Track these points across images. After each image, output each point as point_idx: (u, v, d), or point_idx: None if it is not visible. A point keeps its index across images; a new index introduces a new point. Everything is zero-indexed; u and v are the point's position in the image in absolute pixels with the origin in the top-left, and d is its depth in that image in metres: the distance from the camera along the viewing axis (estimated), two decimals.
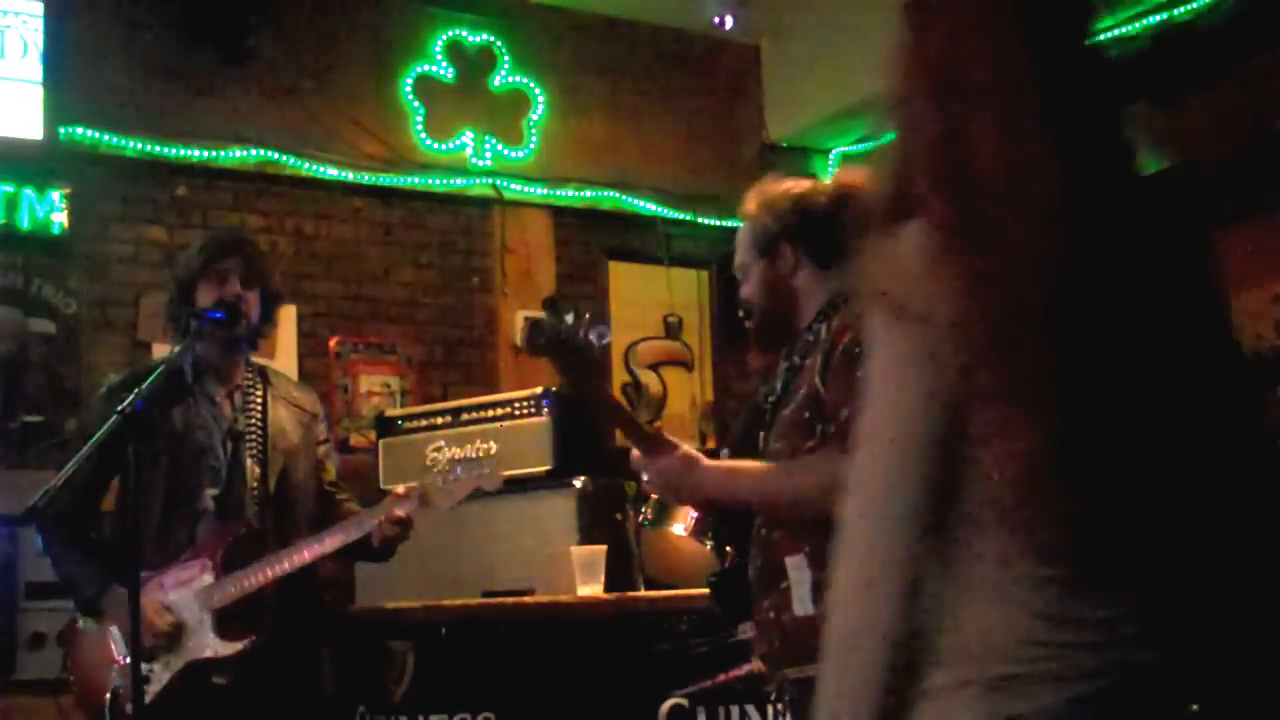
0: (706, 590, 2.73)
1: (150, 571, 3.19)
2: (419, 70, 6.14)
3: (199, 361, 3.42)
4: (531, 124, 6.35)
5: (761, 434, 2.62)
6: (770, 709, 3.47)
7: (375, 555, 3.51)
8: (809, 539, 2.39)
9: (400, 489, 3.43)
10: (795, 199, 2.63)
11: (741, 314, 2.71)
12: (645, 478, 2.48)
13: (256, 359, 3.63)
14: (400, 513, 3.34)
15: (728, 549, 4.02)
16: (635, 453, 2.49)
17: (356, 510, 3.53)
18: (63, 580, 3.41)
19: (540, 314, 2.35)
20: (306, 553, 3.29)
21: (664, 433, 2.48)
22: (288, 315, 5.63)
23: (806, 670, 2.44)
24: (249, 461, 3.40)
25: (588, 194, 6.45)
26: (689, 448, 2.47)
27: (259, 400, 3.48)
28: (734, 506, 2.53)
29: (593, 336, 2.34)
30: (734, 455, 2.57)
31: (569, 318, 2.34)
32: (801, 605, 2.40)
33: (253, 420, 3.45)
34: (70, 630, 3.39)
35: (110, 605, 3.25)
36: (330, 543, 3.32)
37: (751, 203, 2.70)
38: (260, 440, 3.43)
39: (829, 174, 6.92)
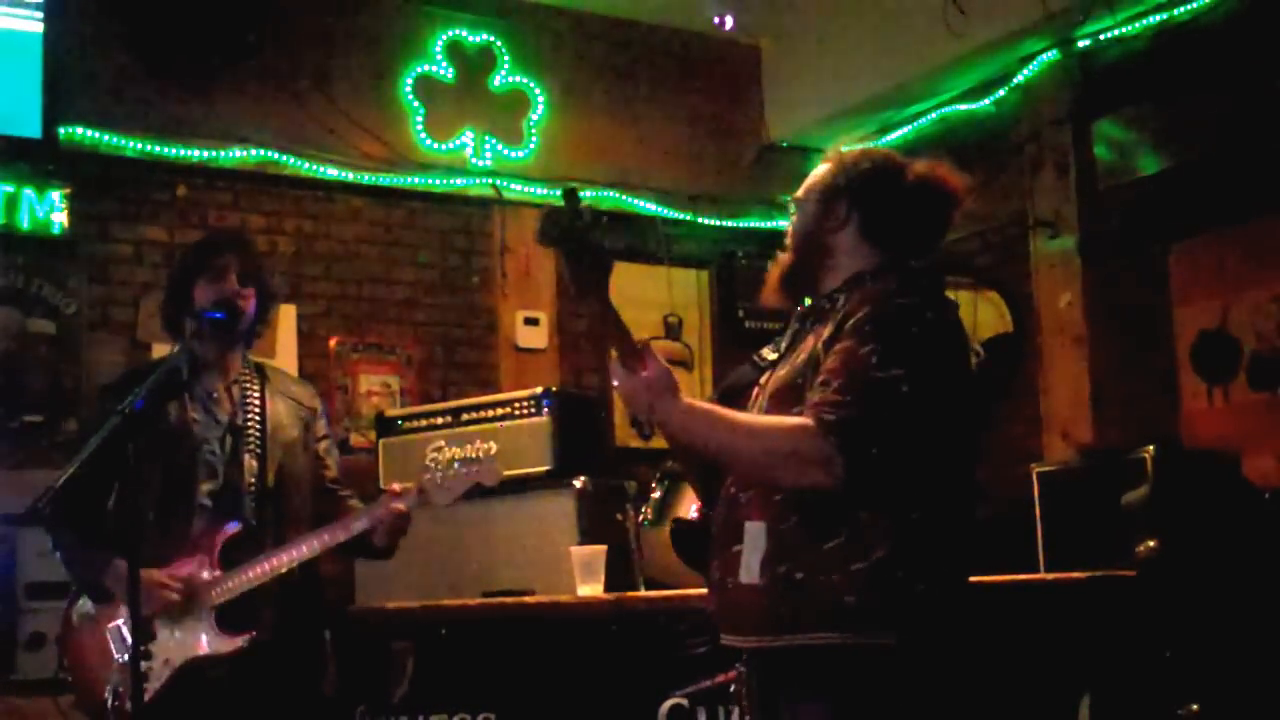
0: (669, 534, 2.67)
1: (148, 567, 3.18)
2: (419, 70, 6.14)
3: (196, 359, 3.41)
4: (531, 124, 6.35)
5: (755, 390, 2.58)
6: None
7: (377, 552, 3.50)
8: (773, 511, 2.36)
9: (397, 486, 3.43)
10: (877, 164, 2.54)
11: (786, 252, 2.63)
12: (617, 383, 2.37)
13: (254, 356, 3.62)
14: (401, 507, 3.34)
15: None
16: (614, 361, 2.37)
17: (359, 507, 3.53)
18: (69, 572, 3.40)
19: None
20: (305, 548, 3.29)
21: (653, 351, 2.36)
22: (288, 315, 5.64)
23: (734, 640, 2.46)
24: (247, 457, 3.39)
25: (588, 194, 6.41)
26: (672, 373, 2.35)
27: (256, 396, 3.48)
28: (691, 447, 2.45)
29: (597, 232, 2.29)
30: (720, 403, 2.49)
31: (587, 214, 2.27)
32: (748, 573, 2.36)
33: (251, 415, 3.44)
34: (66, 630, 3.38)
35: (114, 582, 3.24)
36: (330, 539, 3.31)
37: (839, 149, 2.61)
38: (259, 435, 3.42)
39: None
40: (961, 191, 2.52)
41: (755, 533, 2.37)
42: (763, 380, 2.57)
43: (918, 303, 2.37)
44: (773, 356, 2.60)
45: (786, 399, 2.40)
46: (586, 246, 2.27)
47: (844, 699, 2.31)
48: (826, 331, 2.39)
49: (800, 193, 2.62)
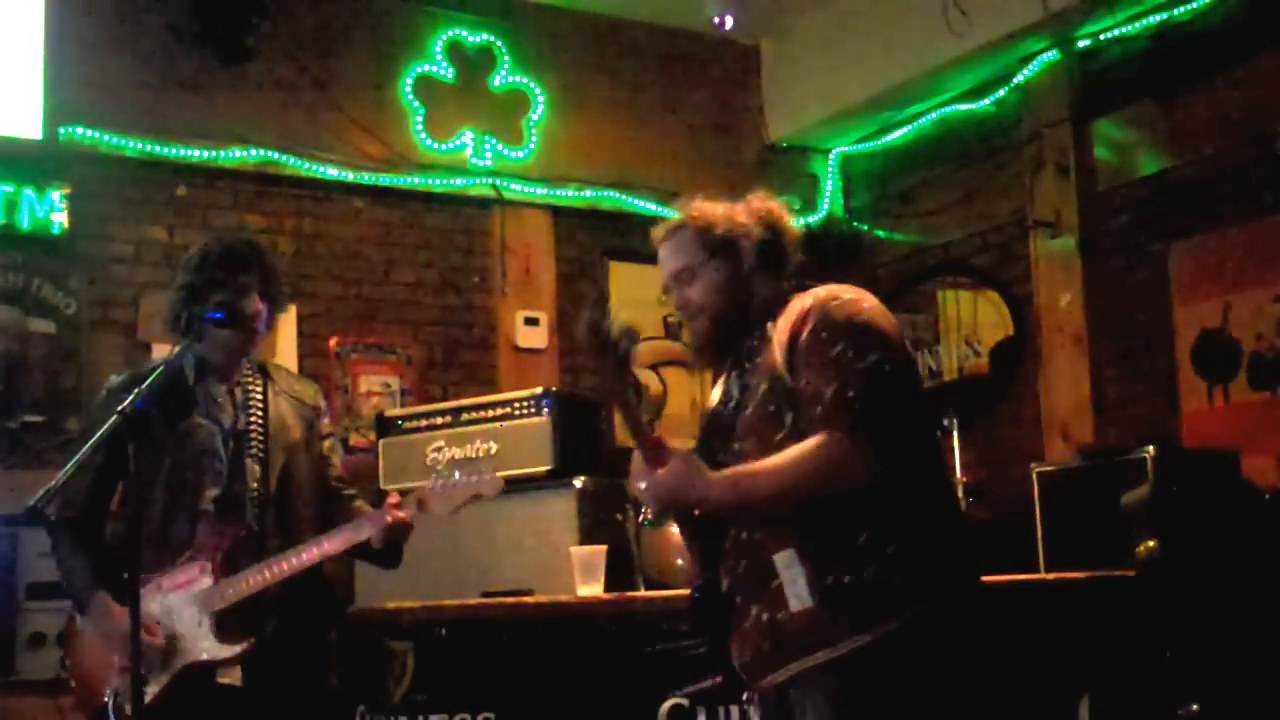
0: (690, 608, 2.71)
1: (149, 573, 3.17)
2: (419, 70, 6.14)
3: (201, 362, 3.40)
4: (531, 124, 6.35)
5: (716, 442, 2.64)
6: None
7: (381, 559, 3.48)
8: (795, 534, 2.45)
9: (395, 497, 3.40)
10: (741, 207, 2.74)
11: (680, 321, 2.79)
12: (642, 485, 2.50)
13: (256, 356, 3.60)
14: (401, 515, 3.33)
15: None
16: (636, 457, 2.53)
17: (366, 508, 3.51)
18: (62, 579, 3.40)
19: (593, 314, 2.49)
20: (305, 556, 3.27)
21: (666, 440, 2.52)
22: (288, 315, 5.61)
23: (808, 661, 2.48)
24: (249, 461, 3.37)
25: (588, 194, 6.45)
26: (691, 454, 2.49)
27: (260, 396, 3.45)
28: (745, 507, 2.51)
29: (625, 341, 2.49)
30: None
31: (611, 324, 2.47)
32: (799, 600, 2.44)
33: (254, 418, 3.42)
34: (69, 630, 3.38)
35: (92, 612, 3.23)
36: (330, 547, 3.29)
37: (692, 211, 2.77)
38: (262, 438, 3.40)
39: (828, 174, 6.95)
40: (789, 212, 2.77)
41: (787, 560, 2.46)
42: (727, 428, 2.62)
43: (849, 297, 2.55)
44: (732, 406, 2.66)
45: (764, 429, 2.51)
46: (607, 351, 2.47)
47: (906, 674, 2.41)
48: (777, 356, 2.52)
49: (677, 267, 2.75)
